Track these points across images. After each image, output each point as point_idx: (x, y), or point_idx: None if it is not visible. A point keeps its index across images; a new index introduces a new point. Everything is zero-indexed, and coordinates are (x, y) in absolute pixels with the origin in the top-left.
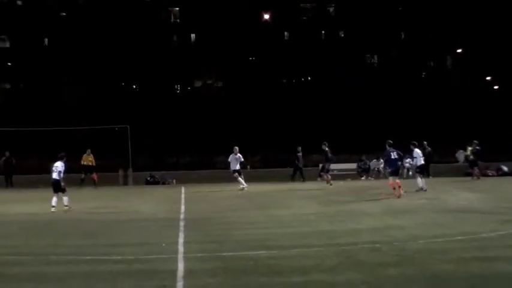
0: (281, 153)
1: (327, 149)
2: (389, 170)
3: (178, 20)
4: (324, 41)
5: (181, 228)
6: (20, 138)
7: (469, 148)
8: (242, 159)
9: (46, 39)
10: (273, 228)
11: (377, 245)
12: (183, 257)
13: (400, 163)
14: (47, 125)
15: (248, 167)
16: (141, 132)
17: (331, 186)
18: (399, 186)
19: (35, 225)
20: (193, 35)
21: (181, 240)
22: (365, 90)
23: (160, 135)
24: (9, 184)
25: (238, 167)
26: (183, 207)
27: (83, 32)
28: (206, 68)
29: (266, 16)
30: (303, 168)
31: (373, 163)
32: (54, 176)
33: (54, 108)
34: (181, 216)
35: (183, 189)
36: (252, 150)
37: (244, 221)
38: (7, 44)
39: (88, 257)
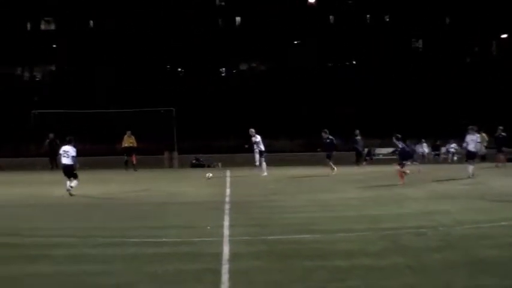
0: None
1: (330, 137)
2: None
3: (223, 3)
4: (369, 24)
5: (227, 211)
6: (65, 120)
7: (483, 135)
8: (257, 139)
9: (91, 22)
10: (317, 212)
11: (421, 230)
12: (228, 240)
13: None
14: (92, 107)
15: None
16: (186, 115)
17: (333, 173)
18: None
19: (80, 207)
20: (238, 18)
21: (226, 223)
22: (409, 75)
23: (205, 118)
24: (54, 166)
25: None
26: (228, 191)
27: (128, 14)
28: (251, 51)
29: None
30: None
31: (417, 147)
32: (65, 161)
33: (100, 91)
34: (227, 199)
35: (228, 172)
36: (295, 134)
37: (289, 204)
38: (53, 26)
39: (134, 240)
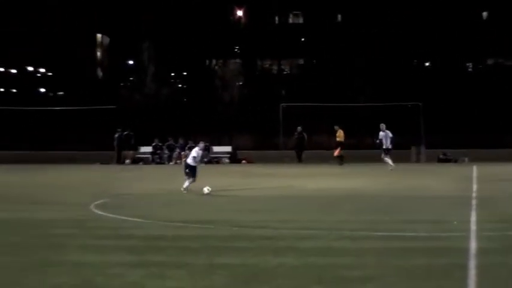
0: None
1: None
2: None
3: None
4: None
5: (473, 207)
6: (312, 113)
7: None
8: (391, 135)
9: (339, 16)
10: None
11: None
12: (475, 235)
13: None
14: (339, 100)
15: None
16: (434, 110)
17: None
18: None
19: (327, 200)
20: (485, 13)
21: (473, 218)
22: None
23: (453, 113)
24: (300, 160)
25: (388, 145)
26: (474, 186)
27: (376, 8)
28: (498, 46)
29: None
30: None
31: None
32: (188, 161)
33: (346, 84)
34: (473, 194)
35: (474, 168)
36: None
37: None
38: (301, 20)
39: (381, 233)
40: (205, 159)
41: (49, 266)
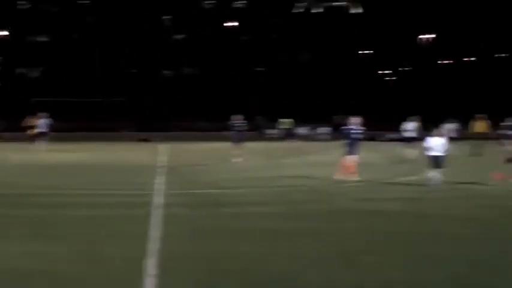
0: None
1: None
2: None
3: None
4: None
5: (163, 173)
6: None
7: None
8: (51, 122)
9: None
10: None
11: None
12: (163, 193)
13: None
14: None
15: None
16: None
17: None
18: None
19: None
20: None
21: (161, 181)
22: None
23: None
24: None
25: (43, 129)
26: (165, 158)
27: None
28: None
29: None
30: None
31: None
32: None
33: None
34: (163, 164)
35: (166, 146)
36: None
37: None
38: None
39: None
40: None
41: None
